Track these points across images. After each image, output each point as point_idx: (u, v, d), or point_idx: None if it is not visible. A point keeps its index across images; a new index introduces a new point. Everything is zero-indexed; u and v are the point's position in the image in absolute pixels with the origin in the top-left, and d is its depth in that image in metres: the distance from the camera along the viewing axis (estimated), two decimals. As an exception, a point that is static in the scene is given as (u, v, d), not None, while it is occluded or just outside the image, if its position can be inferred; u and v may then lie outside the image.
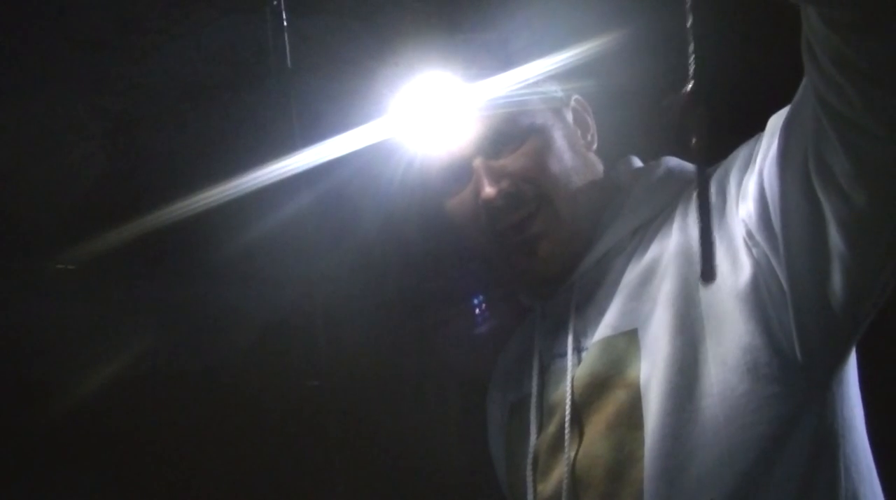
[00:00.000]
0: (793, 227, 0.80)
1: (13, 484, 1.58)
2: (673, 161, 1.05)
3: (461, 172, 1.03)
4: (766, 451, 0.84)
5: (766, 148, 0.83)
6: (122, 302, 1.60)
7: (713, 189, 0.91)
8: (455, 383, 1.44)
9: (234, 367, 1.62)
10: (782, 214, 0.81)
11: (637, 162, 1.12)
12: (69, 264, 1.54)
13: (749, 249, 0.86)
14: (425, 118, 1.04)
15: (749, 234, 0.85)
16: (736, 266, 0.87)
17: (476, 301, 1.32)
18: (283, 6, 1.30)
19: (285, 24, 1.31)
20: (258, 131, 1.56)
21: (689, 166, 1.03)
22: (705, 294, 0.87)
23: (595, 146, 1.11)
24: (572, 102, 1.10)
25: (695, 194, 0.59)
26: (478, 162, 1.01)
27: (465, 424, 1.31)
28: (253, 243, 1.56)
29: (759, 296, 0.85)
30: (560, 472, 0.95)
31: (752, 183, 0.86)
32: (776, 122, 0.83)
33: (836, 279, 0.79)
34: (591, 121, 1.11)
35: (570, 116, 1.09)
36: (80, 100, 1.52)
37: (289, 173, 1.28)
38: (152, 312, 1.64)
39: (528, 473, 1.01)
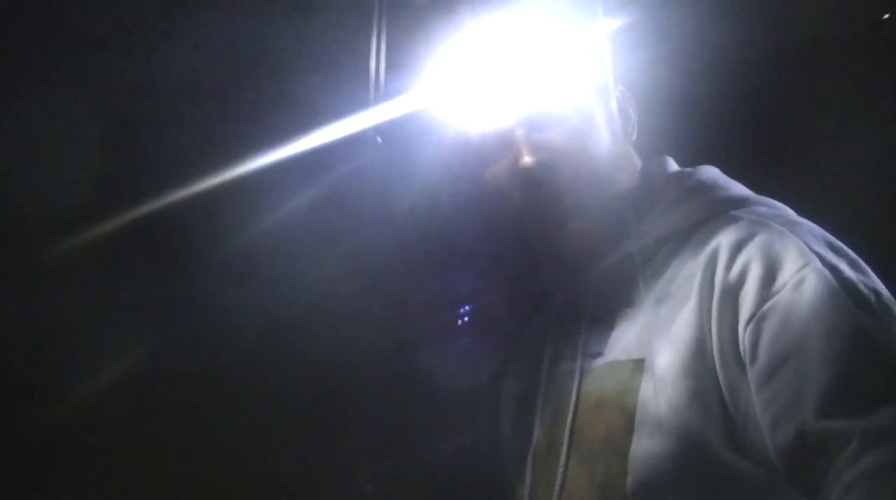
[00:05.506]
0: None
1: (13, 484, 1.58)
2: (706, 173, 1.06)
3: (503, 141, 1.04)
4: None
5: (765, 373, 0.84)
6: (121, 302, 1.60)
7: (719, 277, 0.91)
8: (455, 382, 1.44)
9: (234, 367, 1.62)
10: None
11: (672, 165, 1.13)
12: (69, 264, 1.54)
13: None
14: (473, 84, 1.06)
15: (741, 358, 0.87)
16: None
17: (462, 311, 1.33)
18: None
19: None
20: (258, 132, 1.56)
21: (722, 181, 1.04)
22: (714, 352, 0.88)
23: (634, 138, 1.12)
24: (617, 93, 1.11)
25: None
26: (520, 132, 1.02)
27: (467, 423, 1.32)
28: (253, 243, 1.56)
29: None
30: (553, 478, 0.97)
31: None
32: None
33: None
34: (633, 113, 1.12)
35: (614, 104, 1.10)
36: (80, 100, 1.52)
37: (290, 173, 1.28)
38: (152, 312, 1.64)
39: (528, 472, 1.03)
